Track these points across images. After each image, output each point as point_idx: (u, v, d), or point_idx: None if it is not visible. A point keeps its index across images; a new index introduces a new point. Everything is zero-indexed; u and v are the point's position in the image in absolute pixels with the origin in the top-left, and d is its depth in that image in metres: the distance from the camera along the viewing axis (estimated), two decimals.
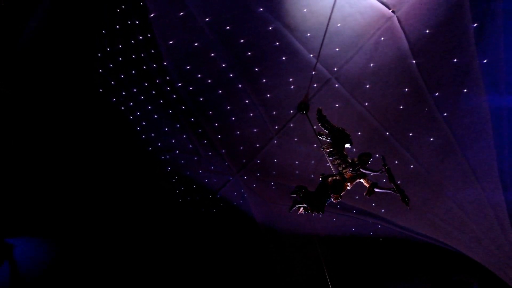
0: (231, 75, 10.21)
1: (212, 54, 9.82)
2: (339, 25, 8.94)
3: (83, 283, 13.06)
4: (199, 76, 10.34)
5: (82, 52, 10.42)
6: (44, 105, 10.82)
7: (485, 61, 8.74)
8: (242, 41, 9.42)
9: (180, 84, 10.52)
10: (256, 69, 9.91)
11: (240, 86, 10.39)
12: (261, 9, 8.86)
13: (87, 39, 10.19)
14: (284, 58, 9.67)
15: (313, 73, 9.65)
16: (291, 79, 10.03)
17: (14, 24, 9.22)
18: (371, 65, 9.48)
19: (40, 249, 12.77)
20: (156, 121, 11.77)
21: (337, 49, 9.38)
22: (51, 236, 12.73)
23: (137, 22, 9.62)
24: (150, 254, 14.33)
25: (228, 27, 9.24)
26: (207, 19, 9.17)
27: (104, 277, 13.41)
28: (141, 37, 9.85)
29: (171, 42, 9.68)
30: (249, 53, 9.62)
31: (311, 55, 9.47)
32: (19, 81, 10.29)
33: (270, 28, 9.17)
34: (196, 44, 9.67)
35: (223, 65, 9.96)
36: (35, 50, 10.00)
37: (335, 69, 9.70)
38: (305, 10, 8.85)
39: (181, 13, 9.12)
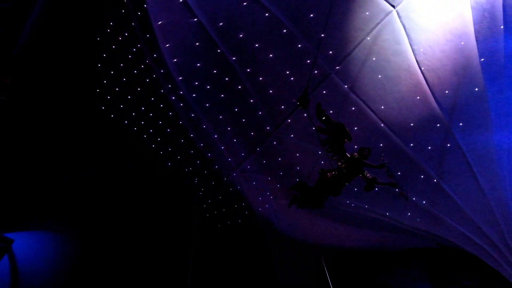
0: (226, 78, 10.29)
1: (212, 54, 9.90)
2: (339, 19, 8.94)
3: (83, 277, 13.11)
4: (197, 83, 10.49)
5: (89, 83, 10.81)
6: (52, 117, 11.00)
7: (485, 55, 8.76)
8: (240, 36, 9.46)
9: (182, 92, 10.65)
10: (255, 66, 9.94)
11: (240, 87, 10.43)
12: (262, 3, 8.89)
13: (92, 69, 10.57)
14: (283, 53, 9.68)
15: (313, 68, 9.66)
16: (291, 75, 10.04)
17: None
18: (371, 59, 9.48)
19: (40, 244, 12.83)
20: (169, 135, 11.91)
21: (337, 44, 9.38)
22: (51, 231, 12.78)
23: (131, 31, 9.78)
24: (148, 252, 14.37)
25: (225, 22, 9.29)
26: (203, 15, 9.22)
27: (104, 272, 13.46)
28: (135, 48, 9.97)
29: (170, 45, 9.79)
30: (246, 50, 9.66)
31: (311, 50, 9.48)
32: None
33: (270, 22, 9.18)
34: (196, 44, 9.74)
35: (222, 65, 10.05)
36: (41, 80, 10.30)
37: (335, 63, 9.70)
38: (305, 3, 8.85)
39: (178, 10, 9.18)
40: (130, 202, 13.21)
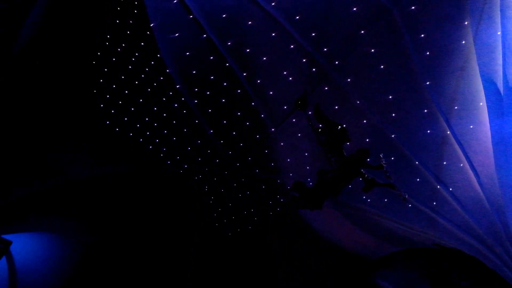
0: (225, 83, 10.31)
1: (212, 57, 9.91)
2: (338, 19, 8.97)
3: (81, 279, 13.08)
4: (197, 89, 10.53)
5: (94, 98, 10.91)
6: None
7: (483, 53, 8.78)
8: (238, 37, 9.46)
9: (184, 99, 10.71)
10: (254, 66, 9.95)
11: (239, 91, 10.46)
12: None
13: (96, 84, 10.66)
14: (282, 53, 9.69)
15: (312, 66, 9.68)
16: (290, 75, 10.06)
17: None
18: (370, 59, 9.48)
19: (38, 245, 12.79)
20: (176, 144, 11.94)
21: (336, 43, 9.40)
22: (49, 232, 12.74)
23: (129, 41, 9.78)
24: (148, 253, 14.35)
25: (223, 23, 9.29)
26: (202, 18, 9.22)
27: (102, 273, 13.43)
28: (134, 58, 9.99)
29: (168, 52, 9.80)
30: (244, 50, 9.66)
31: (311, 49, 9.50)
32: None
33: (269, 22, 9.19)
34: (191, 50, 9.76)
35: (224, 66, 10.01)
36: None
37: (334, 63, 9.72)
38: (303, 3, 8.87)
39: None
40: (130, 204, 13.18)
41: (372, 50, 9.34)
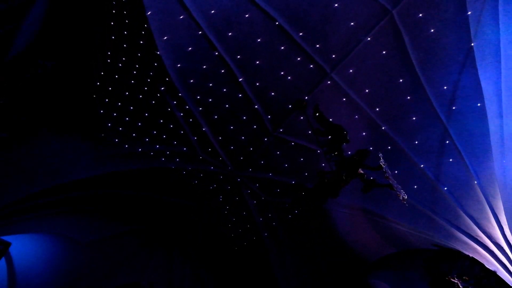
0: (224, 89, 10.31)
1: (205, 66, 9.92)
2: (337, 19, 8.97)
3: (80, 280, 13.07)
4: (199, 97, 10.56)
5: (102, 118, 11.01)
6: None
7: (481, 58, 8.78)
8: (237, 38, 9.46)
9: (188, 107, 10.74)
10: (254, 68, 9.93)
11: (240, 95, 10.45)
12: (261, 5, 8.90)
13: (102, 105, 10.72)
14: (281, 53, 9.69)
15: (312, 66, 9.66)
16: (290, 76, 10.04)
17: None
18: (371, 58, 9.48)
19: (37, 246, 12.77)
20: (183, 153, 11.95)
21: (337, 43, 9.39)
22: (48, 233, 12.72)
23: (128, 54, 9.77)
24: (147, 254, 14.31)
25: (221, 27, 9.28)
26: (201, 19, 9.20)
27: (101, 274, 13.40)
28: (135, 71, 10.02)
29: (168, 60, 9.82)
30: (240, 55, 9.68)
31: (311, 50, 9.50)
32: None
33: (269, 23, 9.19)
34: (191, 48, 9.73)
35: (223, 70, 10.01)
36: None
37: (335, 63, 9.71)
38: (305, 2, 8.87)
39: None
40: (130, 203, 13.17)
41: (371, 51, 9.35)
